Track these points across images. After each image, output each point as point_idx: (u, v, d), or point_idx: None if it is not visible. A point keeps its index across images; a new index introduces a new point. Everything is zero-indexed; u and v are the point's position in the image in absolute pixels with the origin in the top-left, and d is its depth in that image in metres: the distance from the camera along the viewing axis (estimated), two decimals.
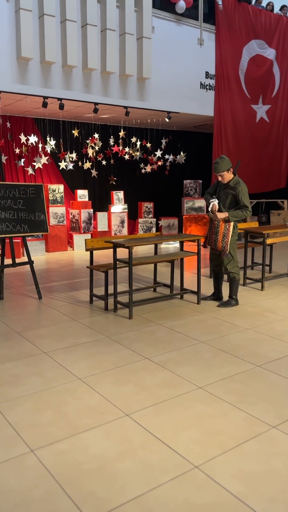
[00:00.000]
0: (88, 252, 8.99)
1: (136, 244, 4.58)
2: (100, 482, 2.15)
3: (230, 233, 4.90)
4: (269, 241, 5.80)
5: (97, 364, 3.51)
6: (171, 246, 9.50)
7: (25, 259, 8.06)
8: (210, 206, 4.93)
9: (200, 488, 2.10)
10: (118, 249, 4.90)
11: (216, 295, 5.35)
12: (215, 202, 4.91)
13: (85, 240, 5.07)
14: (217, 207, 4.92)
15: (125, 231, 9.92)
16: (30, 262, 5.39)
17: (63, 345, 3.94)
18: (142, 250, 8.77)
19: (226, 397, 2.97)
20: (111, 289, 5.44)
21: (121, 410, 2.81)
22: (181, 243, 5.48)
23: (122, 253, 5.64)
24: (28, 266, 7.11)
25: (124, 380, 3.23)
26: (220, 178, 4.92)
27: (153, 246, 9.12)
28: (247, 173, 10.92)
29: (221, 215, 4.85)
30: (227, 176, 4.89)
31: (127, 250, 4.51)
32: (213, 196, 5.05)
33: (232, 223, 4.91)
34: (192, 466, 2.26)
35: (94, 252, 8.92)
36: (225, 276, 5.90)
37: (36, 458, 2.33)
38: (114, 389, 3.09)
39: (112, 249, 5.53)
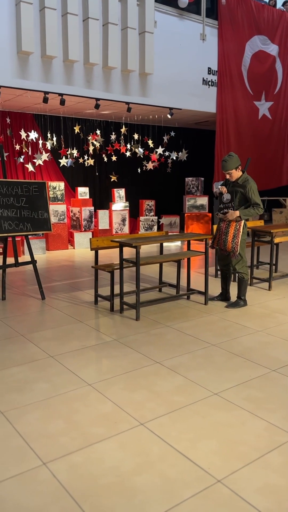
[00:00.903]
0: (90, 251, 8.89)
1: (144, 243, 4.45)
2: (118, 498, 2.03)
3: (241, 233, 4.78)
4: (277, 240, 5.68)
5: (106, 369, 3.39)
6: (173, 245, 9.37)
7: (26, 258, 7.92)
8: (218, 190, 4.83)
9: (225, 504, 1.99)
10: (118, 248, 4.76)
11: (224, 296, 5.24)
12: (221, 187, 4.83)
13: (90, 239, 4.94)
14: (225, 189, 4.81)
15: (126, 229, 9.78)
16: (33, 261, 5.25)
17: (69, 348, 3.81)
18: (145, 249, 8.64)
19: (244, 404, 2.85)
20: (114, 289, 5.31)
21: (135, 419, 2.69)
22: (188, 242, 5.36)
23: (125, 252, 5.52)
24: (28, 266, 6.97)
25: (136, 386, 3.11)
26: (228, 176, 4.81)
27: (155, 245, 9.02)
28: (249, 171, 10.80)
29: (233, 215, 4.72)
30: (236, 174, 4.77)
31: (130, 249, 4.38)
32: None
33: (242, 223, 4.79)
34: (215, 480, 2.15)
35: (90, 250, 8.80)
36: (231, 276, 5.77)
37: (49, 472, 2.21)
38: (126, 396, 2.97)
39: (115, 249, 5.41)
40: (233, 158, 4.73)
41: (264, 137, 11.12)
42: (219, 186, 4.87)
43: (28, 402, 2.90)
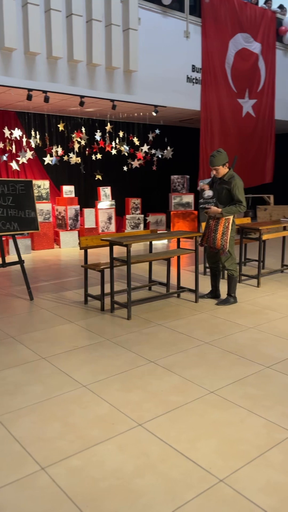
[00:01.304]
0: (76, 250, 8.81)
1: (134, 241, 4.41)
2: (121, 502, 1.99)
3: (229, 230, 4.79)
4: (265, 237, 5.71)
5: (100, 369, 3.34)
6: (159, 243, 9.35)
7: (12, 258, 7.79)
8: (201, 188, 4.87)
9: (229, 504, 1.97)
10: (107, 248, 4.71)
11: (214, 293, 5.24)
12: (203, 184, 4.87)
13: (79, 238, 4.88)
14: (207, 186, 4.85)
15: (112, 227, 9.72)
16: (21, 261, 5.16)
17: (61, 349, 3.75)
18: (133, 247, 8.59)
19: (241, 402, 2.85)
20: (104, 288, 5.26)
21: (133, 420, 2.65)
22: (178, 240, 5.34)
23: (114, 251, 5.45)
24: (15, 266, 6.85)
25: (131, 386, 3.08)
26: (214, 172, 4.81)
27: (142, 243, 8.99)
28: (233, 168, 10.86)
29: (216, 210, 4.74)
30: (222, 170, 4.77)
31: (118, 247, 4.34)
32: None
33: (231, 220, 4.80)
34: (217, 479, 2.13)
35: (80, 249, 8.72)
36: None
37: (48, 477, 2.16)
38: (122, 396, 2.93)
39: (102, 248, 5.34)
40: (221, 155, 4.73)
41: (247, 135, 11.18)
42: (201, 184, 4.90)
43: (23, 405, 2.84)
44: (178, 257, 5.31)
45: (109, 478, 2.15)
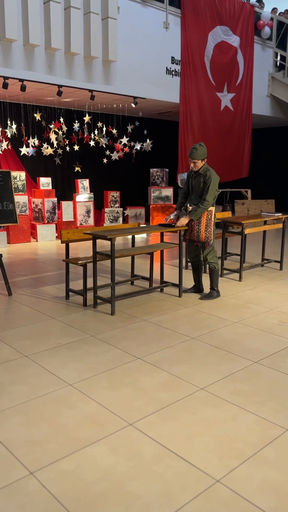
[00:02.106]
0: (54, 244, 8.63)
1: (118, 235, 4.31)
2: (115, 506, 1.92)
3: (212, 222, 4.77)
4: (247, 231, 5.70)
5: (86, 367, 3.25)
6: (139, 236, 9.26)
7: None
8: (168, 221, 5.00)
9: (228, 505, 1.92)
10: (85, 242, 4.60)
11: (197, 288, 5.20)
12: (171, 216, 5.00)
13: (60, 231, 4.74)
14: (172, 217, 4.99)
15: (91, 221, 9.57)
16: None
17: (45, 346, 3.63)
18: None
19: (231, 398, 2.81)
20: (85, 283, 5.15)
21: (123, 419, 2.58)
22: (161, 234, 5.27)
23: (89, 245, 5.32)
24: None
25: (119, 384, 3.00)
26: (192, 165, 4.73)
27: (121, 237, 8.89)
28: (211, 162, 10.84)
29: (184, 221, 4.78)
30: (200, 164, 4.73)
31: (100, 241, 4.24)
32: (176, 211, 5.09)
33: (213, 211, 4.78)
34: (214, 480, 2.08)
35: (61, 244, 8.54)
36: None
37: (38, 482, 2.06)
38: (110, 395, 2.85)
39: (82, 241, 5.21)
40: (202, 149, 4.68)
41: (226, 128, 11.18)
42: (171, 217, 5.02)
43: (7, 406, 2.72)
44: (162, 251, 5.24)
45: (101, 481, 2.07)
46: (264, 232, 6.57)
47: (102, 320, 4.27)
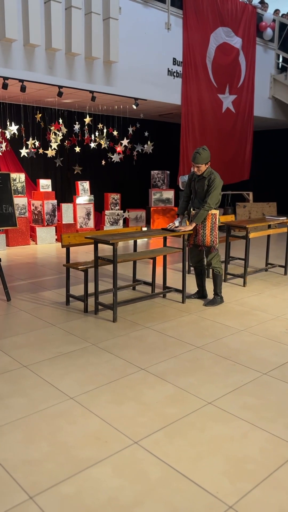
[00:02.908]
0: (53, 247, 8.49)
1: (121, 239, 4.18)
2: None
3: (217, 225, 4.65)
4: (251, 235, 5.57)
5: (88, 379, 3.11)
6: (139, 240, 9.12)
7: None
8: (171, 226, 4.83)
9: None
10: (85, 246, 4.46)
11: (201, 293, 5.07)
12: (175, 223, 4.85)
13: (61, 235, 4.61)
14: (177, 225, 4.82)
15: (91, 223, 9.43)
16: None
17: (44, 356, 3.49)
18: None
19: (241, 413, 2.67)
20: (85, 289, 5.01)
21: (127, 437, 2.44)
22: (164, 239, 5.14)
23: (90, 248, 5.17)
24: None
25: (123, 397, 2.86)
26: (195, 169, 4.61)
27: (121, 241, 8.71)
28: (212, 164, 10.72)
29: (188, 228, 4.66)
30: (203, 168, 4.60)
31: (101, 245, 4.10)
32: (178, 216, 4.96)
33: (217, 215, 4.66)
34: (227, 506, 1.94)
35: (62, 248, 8.39)
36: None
37: (38, 508, 1.92)
38: (113, 410, 2.71)
39: (82, 245, 5.05)
40: (206, 153, 4.56)
41: (227, 130, 11.07)
42: (175, 223, 4.86)
43: (4, 421, 2.58)
44: (165, 256, 5.11)
45: (105, 507, 1.93)
46: (268, 236, 6.44)
47: (104, 328, 4.13)
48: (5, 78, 7.26)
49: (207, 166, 4.58)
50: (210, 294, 5.12)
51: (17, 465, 2.20)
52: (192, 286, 5.42)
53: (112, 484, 2.07)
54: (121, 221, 9.74)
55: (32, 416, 2.64)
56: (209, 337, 3.88)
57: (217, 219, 4.65)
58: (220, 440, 2.41)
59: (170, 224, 4.87)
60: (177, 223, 4.83)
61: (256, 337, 3.90)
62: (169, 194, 10.23)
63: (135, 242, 5.30)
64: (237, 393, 2.91)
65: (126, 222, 10.13)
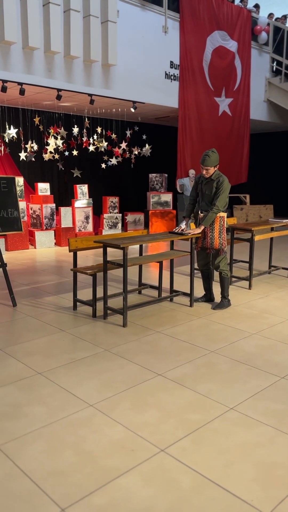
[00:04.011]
0: (53, 251, 8.41)
1: (131, 243, 4.14)
2: None
3: (225, 228, 4.64)
4: (256, 238, 5.57)
5: (105, 385, 3.06)
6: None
7: None
8: (178, 229, 4.78)
9: None
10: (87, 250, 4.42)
11: (208, 296, 5.05)
12: (181, 226, 4.79)
13: (68, 239, 4.56)
14: (183, 227, 4.78)
15: (90, 227, 9.38)
16: (3, 264, 4.78)
17: (58, 362, 3.44)
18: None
19: (265, 419, 2.65)
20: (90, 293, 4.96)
21: (153, 444, 2.40)
22: (171, 242, 5.11)
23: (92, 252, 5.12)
24: None
25: (143, 404, 2.82)
26: (204, 172, 4.59)
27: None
28: None
29: (197, 230, 4.63)
30: (212, 171, 4.59)
31: (107, 250, 4.07)
32: (184, 219, 4.92)
33: (225, 217, 4.66)
34: None
35: (60, 250, 8.35)
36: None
37: None
38: (135, 417, 2.67)
39: (84, 250, 5.00)
40: (215, 155, 4.55)
41: (224, 134, 11.10)
42: (181, 226, 4.82)
43: (26, 430, 2.53)
44: (172, 260, 5.08)
45: None
46: (271, 238, 6.44)
47: (114, 333, 4.08)
48: (4, 81, 7.20)
49: (215, 168, 4.57)
50: (217, 297, 5.10)
51: (44, 476, 2.15)
52: (198, 290, 5.40)
53: (144, 494, 2.03)
54: (119, 225, 9.70)
55: (54, 425, 2.59)
56: (222, 341, 3.86)
57: (225, 222, 4.64)
58: (247, 446, 2.38)
59: (177, 227, 4.85)
60: (183, 226, 4.81)
61: (269, 341, 3.89)
62: (167, 197, 10.22)
63: (140, 246, 5.27)
64: (258, 398, 2.89)
65: (124, 225, 10.09)
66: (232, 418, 2.66)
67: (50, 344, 3.82)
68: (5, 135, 8.18)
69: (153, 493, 2.04)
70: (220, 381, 3.13)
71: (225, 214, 4.64)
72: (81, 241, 4.62)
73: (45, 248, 8.76)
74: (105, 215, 9.54)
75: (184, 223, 4.85)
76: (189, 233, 4.62)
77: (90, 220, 9.39)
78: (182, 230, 4.74)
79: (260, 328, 4.21)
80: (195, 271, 6.12)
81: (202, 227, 4.62)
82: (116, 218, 9.59)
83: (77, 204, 9.27)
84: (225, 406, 2.78)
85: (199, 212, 4.71)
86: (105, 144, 9.24)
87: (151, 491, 2.05)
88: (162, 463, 2.25)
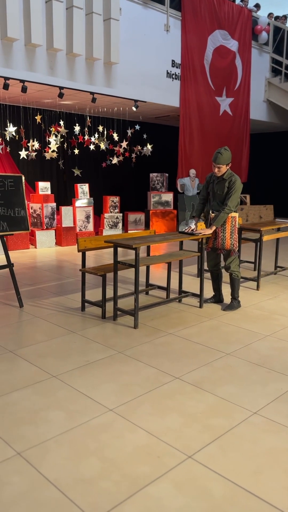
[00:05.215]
0: (54, 251, 8.32)
1: (143, 243, 4.07)
2: None
3: (237, 228, 4.59)
4: (265, 238, 5.53)
5: (123, 389, 2.99)
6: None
7: None
8: (188, 229, 4.70)
9: None
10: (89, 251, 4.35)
11: (217, 297, 5.00)
12: (191, 226, 4.71)
13: (77, 239, 4.48)
14: (193, 227, 4.70)
15: (90, 227, 9.29)
16: (10, 265, 4.69)
17: (72, 365, 3.36)
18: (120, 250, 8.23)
19: None
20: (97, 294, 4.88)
21: (180, 451, 2.33)
22: (181, 243, 5.05)
23: (108, 252, 5.04)
24: None
25: (164, 408, 2.75)
26: (216, 170, 4.53)
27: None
28: (210, 167, 10.69)
29: (209, 231, 4.57)
30: (224, 169, 4.52)
31: (117, 250, 3.99)
32: (194, 218, 4.85)
33: (237, 217, 4.60)
34: None
35: (61, 250, 8.25)
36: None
37: None
38: (157, 422, 2.60)
39: (92, 250, 4.93)
40: (228, 153, 4.48)
41: (225, 133, 11.06)
42: (191, 226, 4.75)
43: (47, 436, 2.45)
44: (181, 260, 5.02)
45: None
46: (277, 239, 6.41)
47: (126, 334, 4.01)
48: (6, 78, 7.10)
49: (227, 167, 4.50)
50: (225, 297, 5.04)
51: (70, 485, 2.08)
52: (206, 291, 5.34)
53: (176, 503, 1.96)
54: (120, 224, 9.62)
55: (75, 430, 2.51)
56: (236, 343, 3.81)
57: (237, 222, 4.59)
58: (276, 452, 2.33)
59: (186, 227, 4.78)
60: (193, 226, 4.74)
61: (284, 343, 3.84)
62: (168, 196, 10.16)
63: (148, 246, 5.20)
64: (280, 402, 2.84)
65: (125, 225, 10.02)
66: (257, 422, 2.60)
67: (61, 346, 3.74)
68: (6, 133, 8.07)
69: (186, 502, 1.97)
70: (239, 384, 3.07)
71: (236, 214, 4.58)
72: (90, 241, 4.55)
73: (45, 248, 8.66)
74: (106, 215, 9.46)
75: (193, 222, 4.79)
76: (200, 233, 4.56)
77: (91, 219, 9.30)
78: (192, 230, 4.68)
79: (273, 329, 4.16)
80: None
81: (214, 228, 4.56)
82: (117, 217, 9.51)
83: (78, 203, 9.18)
84: (248, 411, 2.73)
85: (210, 212, 4.65)
86: (106, 143, 9.16)
87: (183, 500, 1.99)
88: (191, 470, 2.18)
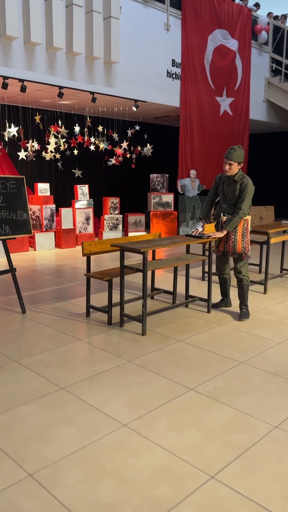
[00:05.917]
0: (54, 253, 8.15)
1: (151, 247, 3.93)
2: None
3: (249, 231, 4.44)
4: (272, 240, 5.41)
5: (136, 402, 2.85)
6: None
7: None
8: (195, 231, 4.55)
9: None
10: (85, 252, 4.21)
11: (225, 302, 4.86)
12: (198, 228, 4.56)
13: (82, 243, 4.33)
14: (200, 230, 4.55)
15: (90, 228, 9.14)
16: (12, 269, 4.54)
17: (80, 376, 3.22)
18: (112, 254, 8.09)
19: None
20: (96, 299, 4.74)
21: (201, 470, 2.20)
22: (188, 246, 4.91)
23: (111, 256, 4.89)
24: None
25: (181, 423, 2.61)
26: (227, 167, 4.35)
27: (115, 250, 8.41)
28: (210, 168, 10.58)
29: (219, 234, 4.43)
30: (235, 168, 4.36)
31: (124, 254, 3.85)
32: (201, 220, 4.70)
33: (249, 220, 4.45)
34: None
35: (61, 253, 8.09)
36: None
37: None
38: (175, 438, 2.46)
39: (97, 254, 4.79)
40: (241, 151, 4.32)
41: (225, 133, 10.95)
42: (198, 228, 4.58)
43: (58, 456, 2.31)
44: (187, 264, 4.88)
45: None
46: (283, 241, 6.29)
47: (134, 342, 3.87)
48: (5, 78, 6.94)
49: (239, 167, 4.35)
50: (233, 301, 4.91)
51: (88, 511, 1.93)
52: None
53: None
54: (120, 226, 9.48)
55: (87, 448, 2.37)
56: (249, 351, 3.68)
57: (249, 225, 4.45)
58: None
59: (193, 229, 4.64)
60: (200, 228, 4.59)
61: None
62: (169, 198, 10.03)
63: (154, 250, 5.06)
64: None
65: (125, 226, 9.87)
66: (280, 438, 2.47)
67: (68, 355, 3.59)
68: (5, 133, 7.90)
69: None
70: (257, 395, 2.94)
71: (249, 217, 4.43)
72: (95, 245, 4.40)
73: (45, 250, 8.50)
74: (106, 216, 9.31)
75: (200, 225, 4.64)
76: (209, 235, 4.42)
77: (91, 221, 9.15)
78: (199, 232, 4.54)
79: (285, 336, 4.04)
80: (206, 275, 5.93)
81: (225, 232, 4.40)
82: (117, 219, 9.37)
83: (78, 204, 9.02)
84: (269, 425, 2.60)
85: (221, 215, 4.50)
86: (106, 144, 9.01)
87: None
88: (216, 492, 2.05)
